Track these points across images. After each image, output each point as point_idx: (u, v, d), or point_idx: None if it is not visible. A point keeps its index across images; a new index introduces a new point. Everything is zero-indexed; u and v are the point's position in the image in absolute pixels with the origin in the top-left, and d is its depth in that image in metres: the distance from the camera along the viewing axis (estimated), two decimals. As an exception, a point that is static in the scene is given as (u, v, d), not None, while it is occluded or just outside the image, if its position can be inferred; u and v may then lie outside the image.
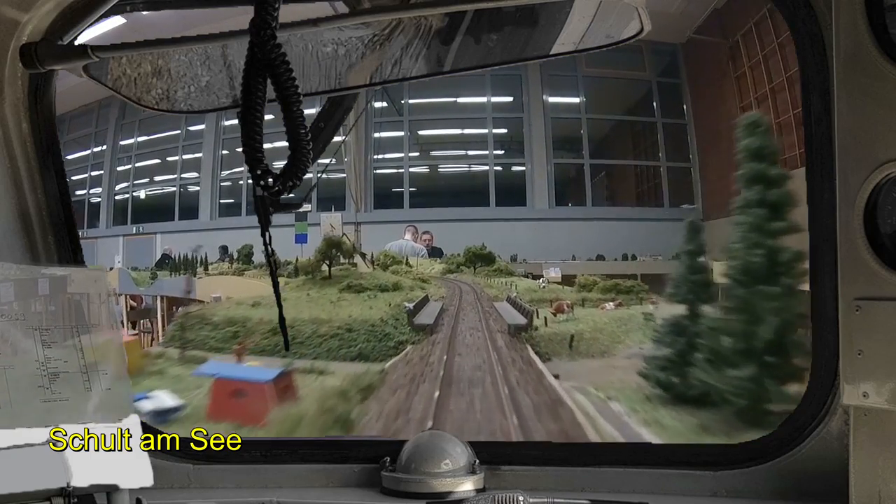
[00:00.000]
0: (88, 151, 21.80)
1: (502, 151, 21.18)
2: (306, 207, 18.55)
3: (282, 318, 2.54)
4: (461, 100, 21.02)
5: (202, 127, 21.73)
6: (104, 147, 21.95)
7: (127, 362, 2.23)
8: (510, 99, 20.95)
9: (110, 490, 2.07)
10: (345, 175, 20.88)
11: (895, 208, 2.21)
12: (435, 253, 21.87)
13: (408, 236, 20.96)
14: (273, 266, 2.48)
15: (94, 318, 2.22)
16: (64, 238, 2.84)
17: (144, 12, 2.75)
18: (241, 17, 1.95)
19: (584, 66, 19.84)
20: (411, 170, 21.29)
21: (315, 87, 2.79)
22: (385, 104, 20.41)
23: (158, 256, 21.09)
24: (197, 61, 2.80)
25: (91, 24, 2.53)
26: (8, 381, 2.04)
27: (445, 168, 21.71)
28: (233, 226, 20.79)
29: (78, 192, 21.01)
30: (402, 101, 20.57)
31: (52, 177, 2.80)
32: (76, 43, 2.57)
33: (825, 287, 2.45)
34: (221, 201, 21.91)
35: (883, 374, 2.20)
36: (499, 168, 21.11)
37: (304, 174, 1.89)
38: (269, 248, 2.33)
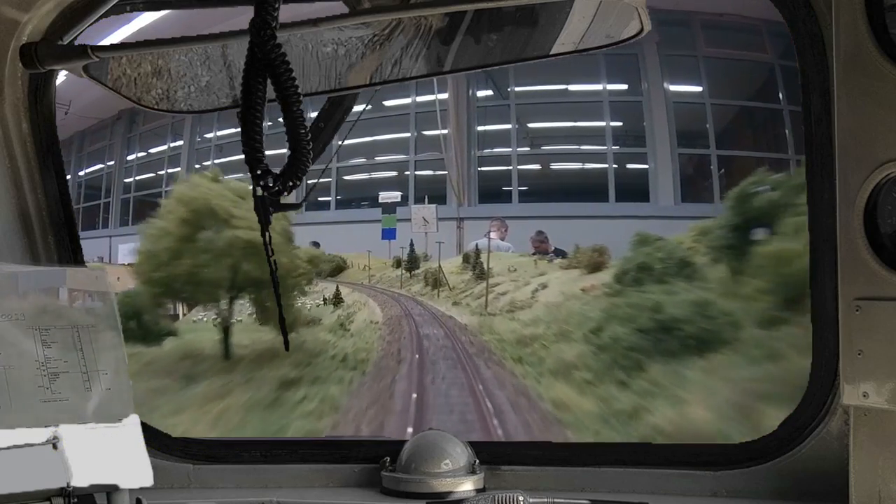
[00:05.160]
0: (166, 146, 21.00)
1: (616, 147, 18.65)
2: (394, 198, 17.61)
3: (282, 319, 2.54)
4: (573, 87, 18.46)
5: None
6: (163, 147, 21.12)
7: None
8: (625, 87, 18.54)
9: (110, 490, 2.07)
10: (445, 172, 18.37)
11: (895, 208, 2.21)
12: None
13: (493, 234, 17.23)
14: (273, 266, 2.48)
15: (94, 318, 2.22)
16: (64, 238, 2.84)
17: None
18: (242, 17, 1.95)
19: (705, 47, 17.60)
20: (521, 167, 18.74)
21: (315, 87, 2.79)
22: (490, 92, 18.35)
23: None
24: (197, 61, 2.80)
25: (91, 24, 2.54)
26: (8, 381, 2.04)
27: (558, 166, 19.21)
28: (320, 220, 19.11)
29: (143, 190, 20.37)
30: (509, 89, 18.37)
31: (52, 177, 2.80)
32: (76, 43, 2.57)
33: (825, 287, 2.45)
34: (334, 198, 20.34)
35: (883, 374, 2.20)
36: (615, 165, 18.61)
37: (305, 174, 1.89)
38: (270, 249, 2.33)
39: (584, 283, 13.85)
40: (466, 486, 2.73)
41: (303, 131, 1.87)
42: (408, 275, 17.71)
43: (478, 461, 2.78)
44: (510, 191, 18.45)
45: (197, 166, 19.95)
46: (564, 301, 13.73)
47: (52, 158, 2.80)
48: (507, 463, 2.82)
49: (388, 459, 2.81)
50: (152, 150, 20.63)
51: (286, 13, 1.92)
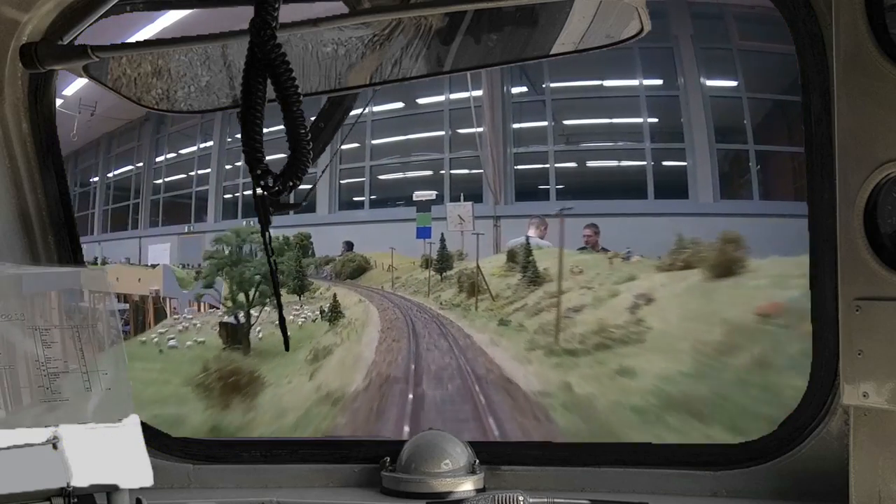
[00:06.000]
0: (195, 147, 20.83)
1: (653, 144, 17.95)
2: (428, 196, 17.32)
3: (282, 319, 2.54)
4: (608, 83, 17.92)
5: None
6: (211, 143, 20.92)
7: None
8: (660, 82, 17.89)
9: (110, 490, 2.07)
10: (480, 170, 17.39)
11: (895, 208, 2.21)
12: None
13: (532, 231, 14.98)
14: (273, 266, 2.48)
15: (94, 318, 2.22)
16: (64, 238, 2.84)
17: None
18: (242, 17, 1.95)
19: (738, 39, 17.00)
20: (557, 165, 17.93)
21: (315, 87, 2.79)
22: (525, 88, 17.77)
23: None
24: (197, 61, 2.80)
25: (91, 24, 2.54)
26: (8, 381, 2.04)
27: (594, 163, 18.49)
28: (354, 220, 18.71)
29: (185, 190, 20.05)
30: (544, 85, 17.83)
31: (52, 177, 2.80)
32: (76, 43, 2.57)
33: (825, 287, 2.45)
34: (371, 198, 19.45)
35: (883, 374, 2.20)
36: (651, 162, 17.85)
37: (305, 174, 1.89)
38: (270, 249, 2.33)
39: (733, 296, 7.84)
40: (466, 486, 2.73)
41: (303, 131, 1.87)
42: (438, 277, 13.92)
43: (478, 461, 2.78)
44: (547, 189, 17.60)
45: (228, 167, 19.77)
46: (731, 338, 7.25)
47: (52, 158, 2.80)
48: (507, 463, 2.82)
49: (388, 459, 2.81)
50: (182, 151, 20.47)
51: (286, 13, 1.92)
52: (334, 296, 13.41)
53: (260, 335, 12.73)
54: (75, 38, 2.57)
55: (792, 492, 2.58)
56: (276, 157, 1.91)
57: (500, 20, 2.65)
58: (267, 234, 2.30)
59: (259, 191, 1.91)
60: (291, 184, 1.88)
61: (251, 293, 13.56)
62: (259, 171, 1.87)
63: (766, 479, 2.63)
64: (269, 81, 1.86)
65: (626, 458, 2.79)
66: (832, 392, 2.51)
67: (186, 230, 20.10)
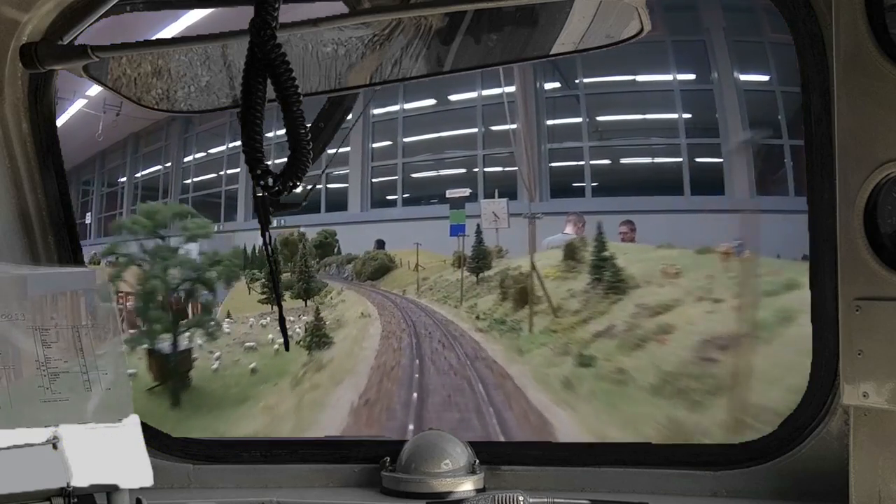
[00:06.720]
0: (224, 147, 20.27)
1: (686, 140, 17.53)
2: (462, 193, 17.16)
3: (282, 319, 2.54)
4: (640, 78, 17.45)
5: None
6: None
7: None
8: (692, 77, 17.45)
9: (110, 490, 2.07)
10: (514, 168, 16.77)
11: (895, 208, 2.21)
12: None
13: (569, 229, 14.31)
14: (273, 266, 2.48)
15: (94, 318, 2.22)
16: (64, 238, 2.85)
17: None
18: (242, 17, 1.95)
19: (770, 32, 16.23)
20: (592, 162, 17.54)
21: (315, 87, 2.79)
22: (557, 84, 17.46)
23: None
24: (197, 61, 2.80)
25: (91, 24, 2.54)
26: (8, 381, 2.04)
27: (628, 160, 18.07)
28: (386, 218, 18.39)
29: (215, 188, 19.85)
30: (577, 80, 17.45)
31: (52, 177, 2.81)
32: (76, 43, 2.57)
33: (825, 287, 2.45)
34: (404, 196, 18.98)
35: (883, 374, 2.20)
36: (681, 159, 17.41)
37: (305, 174, 1.89)
38: (270, 248, 2.33)
39: None
40: (466, 486, 2.73)
41: (303, 131, 1.87)
42: (473, 278, 11.23)
43: (478, 461, 2.78)
44: (582, 186, 16.81)
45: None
46: None
47: (52, 158, 2.80)
48: (507, 463, 2.82)
49: (388, 459, 2.81)
50: (211, 151, 20.33)
51: (286, 13, 1.92)
52: (317, 309, 10.58)
53: (216, 365, 9.57)
54: (75, 38, 2.57)
55: (792, 492, 2.58)
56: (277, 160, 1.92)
57: (500, 20, 2.65)
58: (267, 234, 2.31)
59: (259, 191, 1.91)
60: (291, 184, 1.88)
61: (182, 308, 9.04)
62: (259, 171, 1.87)
63: (766, 479, 2.63)
64: (269, 81, 1.86)
65: (626, 458, 2.79)
66: (832, 392, 2.51)
67: (216, 229, 19.94)
